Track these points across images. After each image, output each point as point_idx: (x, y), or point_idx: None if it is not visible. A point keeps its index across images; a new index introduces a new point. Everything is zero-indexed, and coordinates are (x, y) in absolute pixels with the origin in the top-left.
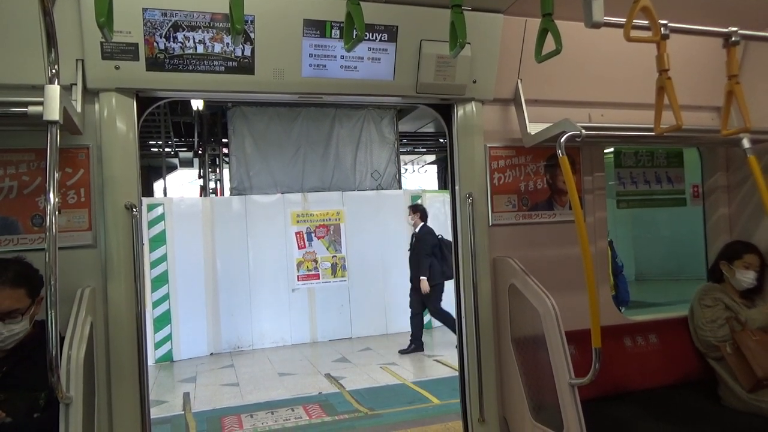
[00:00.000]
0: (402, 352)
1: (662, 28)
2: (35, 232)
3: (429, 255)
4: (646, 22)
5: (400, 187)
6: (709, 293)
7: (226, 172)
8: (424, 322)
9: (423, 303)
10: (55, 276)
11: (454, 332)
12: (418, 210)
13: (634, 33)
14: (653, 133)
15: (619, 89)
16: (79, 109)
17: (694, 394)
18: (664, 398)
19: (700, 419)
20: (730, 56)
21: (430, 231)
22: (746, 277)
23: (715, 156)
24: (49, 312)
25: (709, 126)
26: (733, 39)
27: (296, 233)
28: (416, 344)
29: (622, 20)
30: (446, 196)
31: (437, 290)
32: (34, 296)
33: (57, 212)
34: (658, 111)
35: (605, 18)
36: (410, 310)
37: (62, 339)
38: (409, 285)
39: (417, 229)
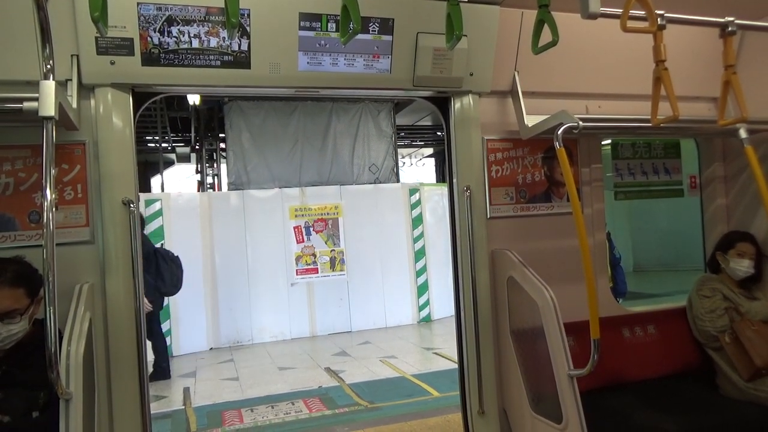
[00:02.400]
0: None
1: (659, 19)
2: (32, 228)
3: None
4: (643, 12)
5: (398, 181)
6: (706, 284)
7: (223, 167)
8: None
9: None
10: (53, 272)
11: (156, 357)
12: None
13: (630, 23)
14: (650, 124)
15: (616, 80)
16: (74, 105)
17: (692, 384)
18: (663, 388)
19: (699, 409)
20: (727, 46)
21: (143, 241)
22: (740, 266)
23: (712, 147)
24: (48, 308)
25: (706, 116)
26: (729, 29)
27: (294, 227)
28: (157, 369)
29: (619, 11)
30: (444, 189)
31: (154, 308)
32: (34, 296)
33: (54, 208)
34: (655, 102)
35: (602, 9)
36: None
37: (61, 335)
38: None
39: None
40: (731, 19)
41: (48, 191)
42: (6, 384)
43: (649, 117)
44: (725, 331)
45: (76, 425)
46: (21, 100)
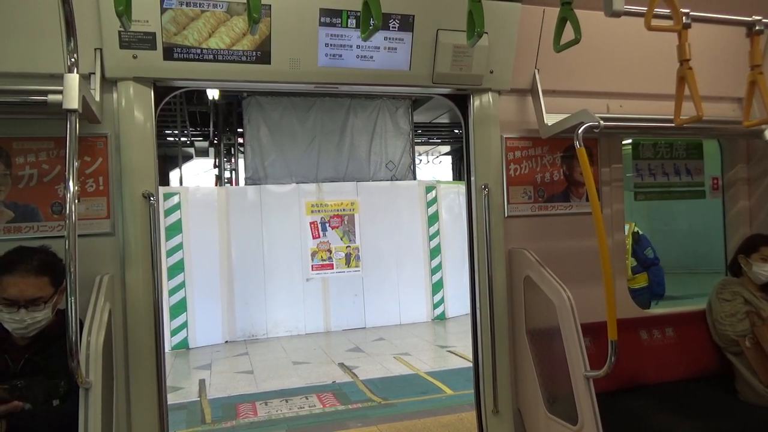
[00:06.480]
0: None
1: (684, 17)
2: (55, 219)
3: None
4: (668, 10)
5: (415, 178)
6: (727, 287)
7: (241, 162)
8: None
9: None
10: (75, 263)
11: None
12: None
13: (655, 22)
14: (673, 124)
15: (638, 79)
16: (97, 98)
17: (710, 388)
18: (681, 392)
19: (717, 413)
20: (754, 46)
21: None
22: (764, 270)
23: (736, 148)
24: (69, 299)
25: (730, 117)
26: (756, 28)
27: (311, 223)
28: None
29: (643, 9)
30: (461, 187)
31: None
32: (57, 285)
33: (76, 200)
34: (679, 101)
35: (626, 7)
36: None
37: (82, 325)
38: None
39: None
40: (759, 17)
41: (71, 183)
42: (28, 372)
43: (672, 117)
44: (746, 335)
45: (95, 413)
46: (46, 92)
